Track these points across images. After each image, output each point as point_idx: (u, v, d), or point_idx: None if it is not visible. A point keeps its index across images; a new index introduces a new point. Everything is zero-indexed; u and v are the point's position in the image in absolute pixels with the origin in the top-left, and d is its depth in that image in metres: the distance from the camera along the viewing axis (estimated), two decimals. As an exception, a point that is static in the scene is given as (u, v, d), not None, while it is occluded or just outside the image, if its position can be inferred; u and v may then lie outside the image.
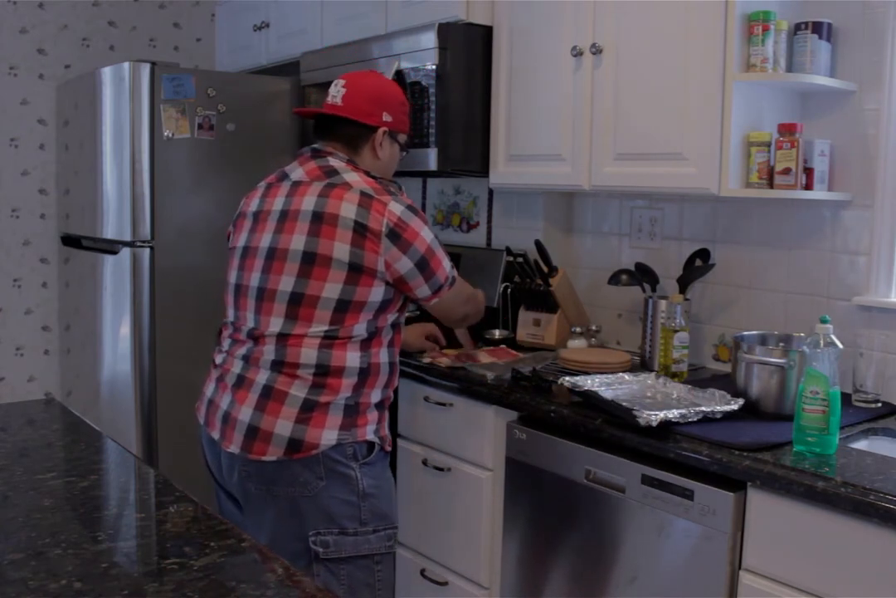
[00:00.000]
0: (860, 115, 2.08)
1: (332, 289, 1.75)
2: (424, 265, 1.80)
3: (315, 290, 1.75)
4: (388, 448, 1.90)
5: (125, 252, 2.93)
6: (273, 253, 1.81)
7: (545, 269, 2.60)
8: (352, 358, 1.79)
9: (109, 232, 3.02)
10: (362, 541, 1.79)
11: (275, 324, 1.79)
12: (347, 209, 1.75)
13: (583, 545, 1.93)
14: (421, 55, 2.53)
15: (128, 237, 2.90)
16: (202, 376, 1.99)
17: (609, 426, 1.84)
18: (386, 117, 1.91)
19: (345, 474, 1.78)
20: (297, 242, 1.77)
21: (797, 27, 2.05)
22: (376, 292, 1.78)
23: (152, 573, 1.13)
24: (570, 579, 1.97)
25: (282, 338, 1.78)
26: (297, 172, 1.89)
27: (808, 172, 2.05)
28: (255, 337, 1.82)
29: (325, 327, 1.77)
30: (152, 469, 1.56)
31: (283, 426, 1.74)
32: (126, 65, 2.86)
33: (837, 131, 2.12)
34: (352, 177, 1.82)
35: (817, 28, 2.03)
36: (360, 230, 1.74)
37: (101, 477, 1.48)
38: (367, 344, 1.81)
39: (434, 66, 2.49)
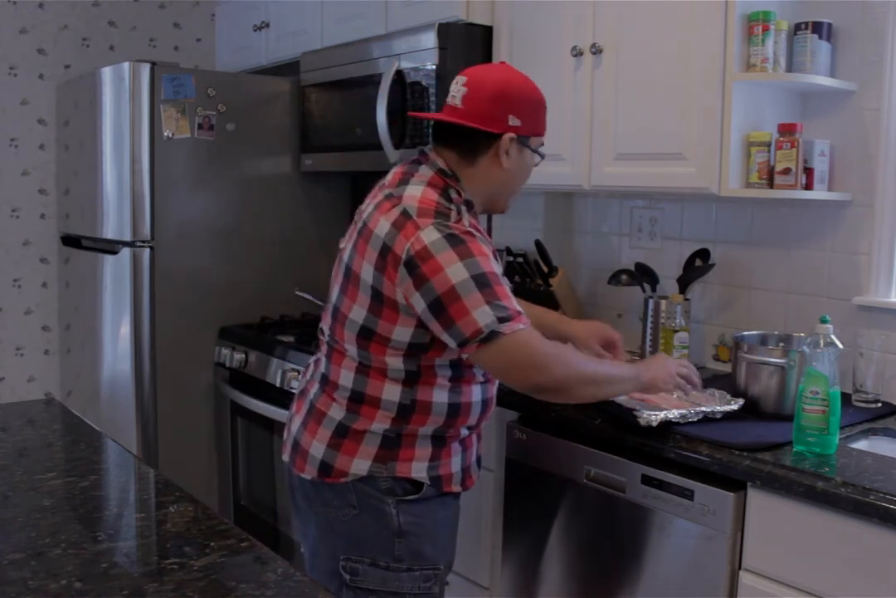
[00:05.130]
0: (860, 115, 2.08)
1: (357, 312, 1.59)
2: (439, 310, 1.49)
3: (346, 308, 1.61)
4: (456, 489, 1.68)
5: (125, 252, 2.93)
6: (340, 261, 1.70)
7: (545, 269, 2.60)
8: (390, 391, 1.59)
9: (109, 232, 3.02)
10: (392, 577, 1.64)
11: (328, 334, 1.70)
12: (382, 227, 1.55)
13: (583, 545, 1.93)
14: (421, 55, 2.53)
15: (128, 237, 2.90)
16: (202, 375, 1.98)
17: (609, 426, 1.84)
18: (513, 121, 1.62)
19: (378, 509, 1.62)
20: (348, 254, 1.65)
21: (797, 27, 2.05)
22: (402, 332, 1.55)
23: (152, 573, 1.13)
24: (569, 579, 1.97)
25: (330, 351, 1.68)
26: (390, 175, 1.70)
27: (808, 172, 2.05)
28: (325, 344, 1.73)
29: (356, 351, 1.61)
30: (152, 469, 1.56)
31: (317, 448, 1.65)
32: (126, 65, 2.86)
33: (837, 131, 2.12)
34: (412, 190, 1.58)
35: (817, 28, 2.03)
36: (384, 253, 1.53)
37: (101, 477, 1.48)
38: (411, 382, 1.59)
39: (434, 66, 2.49)
